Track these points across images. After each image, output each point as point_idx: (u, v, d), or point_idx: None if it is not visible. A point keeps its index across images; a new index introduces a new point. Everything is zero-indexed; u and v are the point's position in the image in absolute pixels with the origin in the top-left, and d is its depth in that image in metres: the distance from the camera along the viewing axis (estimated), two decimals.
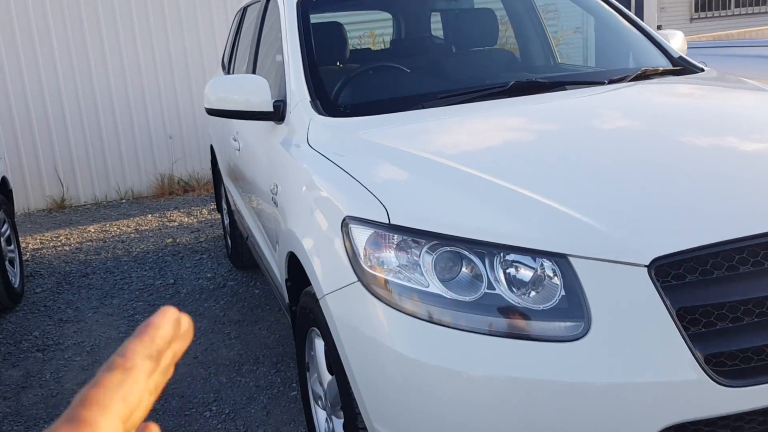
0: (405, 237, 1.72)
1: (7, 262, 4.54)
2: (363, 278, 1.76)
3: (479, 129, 2.30)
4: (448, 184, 1.85)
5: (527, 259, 1.63)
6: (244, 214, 3.76)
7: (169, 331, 0.51)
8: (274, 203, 2.58)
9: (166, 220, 6.35)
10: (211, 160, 5.19)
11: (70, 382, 3.48)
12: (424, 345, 1.64)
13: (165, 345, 0.50)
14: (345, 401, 1.95)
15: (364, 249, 1.78)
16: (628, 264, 1.56)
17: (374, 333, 1.72)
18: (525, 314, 1.59)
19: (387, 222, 1.76)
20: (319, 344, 2.30)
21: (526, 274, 1.63)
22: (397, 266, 1.72)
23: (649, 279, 1.55)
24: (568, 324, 1.55)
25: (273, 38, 3.25)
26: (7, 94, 6.82)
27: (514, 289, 1.62)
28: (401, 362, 1.66)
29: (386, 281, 1.72)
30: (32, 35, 6.78)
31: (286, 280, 2.55)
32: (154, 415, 3.10)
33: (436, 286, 1.65)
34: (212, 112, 2.82)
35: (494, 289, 1.62)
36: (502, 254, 1.63)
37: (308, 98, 2.64)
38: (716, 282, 1.57)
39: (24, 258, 5.50)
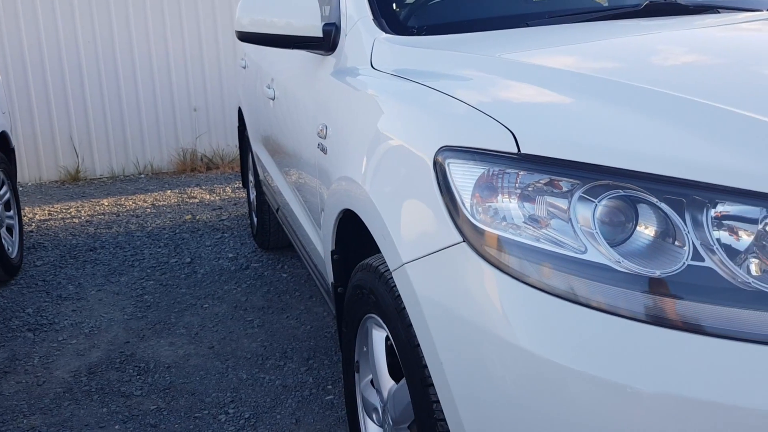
0: (544, 174, 1.09)
1: (3, 229, 3.99)
2: (470, 238, 1.14)
3: (622, 48, 1.66)
4: (604, 99, 1.22)
5: (751, 211, 0.99)
6: (276, 180, 3.15)
7: None
8: (322, 150, 1.97)
9: (186, 196, 5.78)
10: (239, 128, 4.60)
11: (60, 368, 2.90)
12: (570, 342, 1.01)
13: None
14: (423, 420, 1.33)
15: (474, 196, 1.15)
16: None
17: (486, 320, 1.10)
18: (758, 302, 0.95)
19: (514, 152, 1.13)
20: (379, 337, 1.68)
21: (746, 235, 1.00)
22: (529, 220, 1.09)
23: None
24: None
25: None
26: (23, 56, 6.30)
27: (733, 261, 0.98)
28: (530, 365, 1.04)
29: (509, 243, 1.09)
30: None
31: (332, 252, 1.93)
32: (156, 415, 2.51)
33: (601, 252, 1.02)
34: (244, 36, 2.22)
35: (701, 260, 0.99)
36: (714, 202, 1.00)
37: (370, 15, 2.03)
38: None
39: (29, 229, 4.96)
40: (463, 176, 1.18)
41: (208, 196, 5.74)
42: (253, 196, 4.37)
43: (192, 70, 6.71)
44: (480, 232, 1.12)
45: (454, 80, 1.49)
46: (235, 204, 5.46)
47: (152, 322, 3.34)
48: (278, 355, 2.91)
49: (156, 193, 5.94)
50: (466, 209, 1.16)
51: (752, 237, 0.99)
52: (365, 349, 1.80)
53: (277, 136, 2.89)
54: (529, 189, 1.11)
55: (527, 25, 1.88)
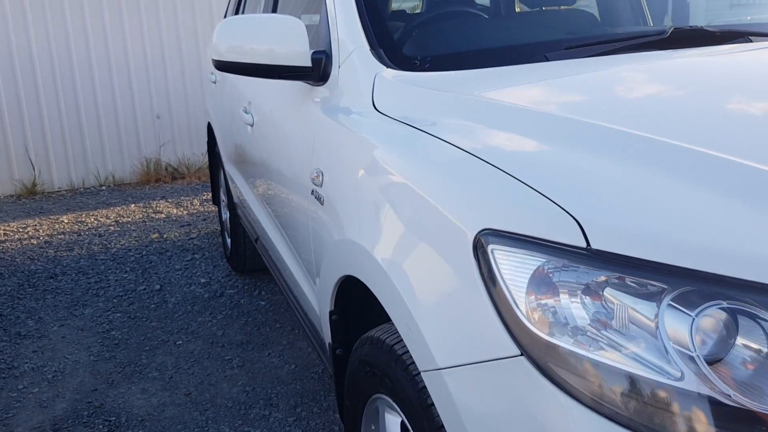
0: (621, 274, 0.89)
1: None
2: (529, 349, 0.93)
3: (661, 89, 1.47)
4: (672, 170, 1.02)
5: None
6: (255, 210, 2.91)
7: None
8: (318, 199, 1.75)
9: (151, 211, 5.49)
10: (208, 142, 4.34)
11: (22, 425, 2.63)
12: None
13: None
14: None
15: (528, 294, 0.95)
16: None
17: None
18: None
19: (583, 245, 0.93)
20: (393, 423, 1.47)
21: None
22: (607, 332, 0.89)
23: None
24: None
25: None
26: None
27: None
28: None
29: (581, 361, 0.89)
30: None
31: (331, 313, 1.72)
32: None
33: (702, 381, 0.83)
34: (223, 66, 1.98)
35: None
36: None
37: (366, 45, 1.81)
38: None
39: None
40: (515, 268, 0.98)
41: (175, 211, 5.45)
42: (226, 216, 4.12)
43: (154, 75, 6.39)
44: (543, 344, 0.92)
45: (484, 137, 1.28)
46: (204, 219, 5.19)
47: (122, 363, 3.07)
48: (262, 403, 2.68)
49: (119, 208, 5.63)
50: (522, 312, 0.95)
51: None
52: (373, 427, 1.59)
53: (258, 166, 2.65)
54: (604, 293, 0.91)
55: (546, 59, 1.68)
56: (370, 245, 1.35)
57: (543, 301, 0.94)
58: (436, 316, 1.10)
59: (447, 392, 1.05)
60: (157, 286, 3.93)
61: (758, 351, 0.83)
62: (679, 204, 0.96)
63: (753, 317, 0.84)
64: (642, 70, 1.60)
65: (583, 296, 0.91)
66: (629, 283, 0.89)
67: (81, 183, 6.37)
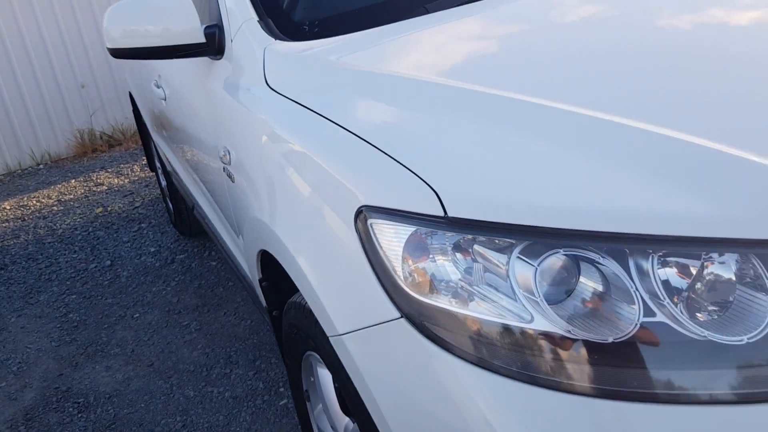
0: (473, 236, 1.01)
1: None
2: (407, 312, 1.05)
3: (538, 36, 1.55)
4: (535, 133, 1.12)
5: (696, 256, 0.94)
6: (185, 179, 2.96)
7: None
8: (229, 177, 1.82)
9: (92, 184, 5.46)
10: (133, 110, 4.31)
11: None
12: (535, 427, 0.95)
13: None
14: None
15: (404, 260, 1.06)
16: None
17: (438, 407, 1.02)
18: (721, 350, 0.90)
19: (441, 215, 1.03)
20: (325, 375, 1.60)
21: (697, 278, 0.94)
22: (469, 287, 1.01)
23: None
24: None
25: None
26: None
27: (689, 310, 0.93)
28: None
29: (451, 317, 1.01)
30: None
31: (260, 280, 1.82)
32: None
33: (548, 320, 0.95)
34: (120, 53, 2.00)
35: (653, 315, 0.93)
36: (658, 252, 0.94)
37: (255, 16, 1.84)
38: None
39: None
40: (391, 238, 1.08)
41: (116, 180, 5.44)
42: (164, 183, 4.15)
43: (72, 46, 6.22)
44: (418, 305, 1.04)
45: (362, 111, 1.36)
46: (146, 186, 5.19)
47: (83, 344, 3.17)
48: (223, 362, 2.82)
49: (60, 185, 5.59)
50: (399, 277, 1.06)
51: (700, 284, 0.94)
52: (312, 379, 1.72)
53: (178, 141, 2.69)
54: (464, 253, 1.02)
55: (426, 11, 1.74)
56: (272, 223, 1.45)
57: (416, 265, 1.05)
58: (332, 286, 1.21)
59: (350, 356, 1.17)
60: (108, 262, 3.98)
61: (594, 290, 0.96)
62: (522, 165, 1.06)
63: (591, 261, 0.96)
64: (520, 14, 1.68)
65: (450, 257, 1.02)
66: (484, 242, 1.00)
67: (17, 165, 6.27)
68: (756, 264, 0.92)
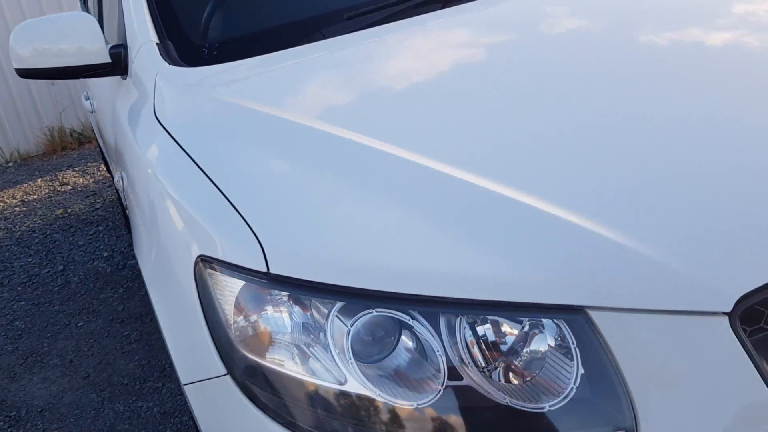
0: (294, 294, 0.99)
1: None
2: (233, 368, 1.03)
3: (412, 67, 1.52)
4: (369, 186, 1.09)
5: (507, 319, 0.92)
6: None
7: None
8: (126, 200, 1.80)
9: (57, 183, 5.43)
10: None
11: None
12: None
13: None
14: None
15: (235, 315, 1.04)
16: (697, 314, 0.88)
17: None
18: (521, 418, 0.89)
19: (264, 270, 1.02)
20: None
21: (506, 342, 0.93)
22: (291, 346, 0.99)
23: (732, 334, 0.87)
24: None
25: None
26: None
27: (496, 374, 0.92)
28: None
29: (274, 376, 0.99)
30: None
31: None
32: None
33: (358, 381, 0.94)
34: (28, 74, 1.96)
35: (460, 379, 0.92)
36: (468, 315, 0.92)
37: (153, 38, 1.81)
38: None
39: None
40: (224, 290, 1.07)
41: (81, 180, 5.41)
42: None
43: None
44: (244, 361, 1.02)
45: (225, 154, 1.31)
46: (110, 186, 5.16)
47: (24, 354, 3.15)
48: (157, 375, 2.80)
49: (26, 185, 5.56)
50: (231, 331, 1.05)
51: (509, 349, 0.92)
52: None
53: (110, 153, 2.66)
54: (287, 310, 1.00)
55: (323, 36, 1.71)
56: (139, 255, 1.43)
57: (246, 320, 1.03)
58: (178, 333, 1.19)
59: (190, 405, 1.16)
60: (61, 267, 3.96)
61: (408, 352, 0.94)
62: (353, 222, 1.04)
63: (403, 324, 0.94)
64: (401, 43, 1.65)
65: (273, 314, 1.01)
66: (307, 301, 0.99)
67: None
68: (564, 329, 0.90)
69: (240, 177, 1.22)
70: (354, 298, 0.95)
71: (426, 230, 0.99)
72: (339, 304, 0.96)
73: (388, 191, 1.07)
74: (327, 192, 1.11)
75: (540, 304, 0.90)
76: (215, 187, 1.20)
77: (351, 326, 0.95)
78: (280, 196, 1.13)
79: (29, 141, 6.34)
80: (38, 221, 4.74)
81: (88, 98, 2.68)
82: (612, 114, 1.17)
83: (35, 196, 5.26)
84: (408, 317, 0.93)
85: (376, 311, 0.94)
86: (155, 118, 1.60)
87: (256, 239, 1.05)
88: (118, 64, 1.92)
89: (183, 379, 1.16)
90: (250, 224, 1.07)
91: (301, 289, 0.98)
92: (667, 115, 1.14)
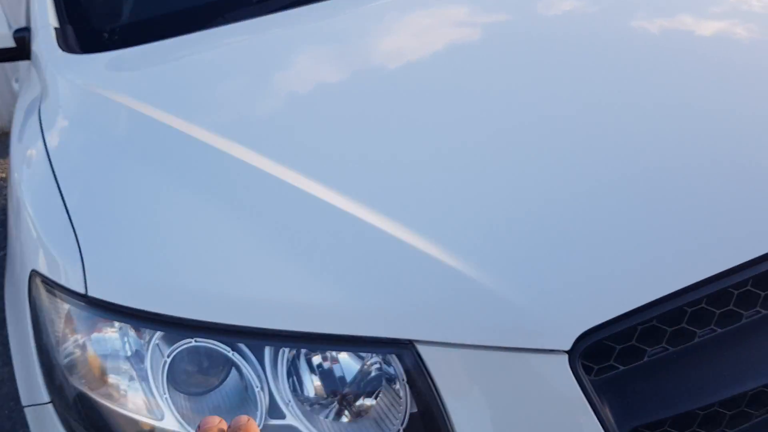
0: (113, 320, 0.90)
1: None
2: (56, 397, 0.94)
3: (296, 61, 1.40)
4: (226, 206, 0.98)
5: (338, 352, 0.83)
6: None
7: None
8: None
9: None
10: None
11: None
12: None
13: None
14: None
15: (63, 335, 0.95)
16: (533, 351, 0.78)
17: None
18: None
19: (83, 292, 0.92)
20: None
21: (337, 376, 0.84)
22: (106, 368, 0.90)
23: (571, 374, 0.78)
24: None
25: None
26: None
27: (326, 412, 0.83)
28: None
29: (89, 405, 0.91)
30: None
31: None
32: None
33: (174, 417, 0.85)
34: None
35: (283, 417, 0.83)
36: (295, 348, 0.83)
37: (52, 21, 1.70)
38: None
39: None
40: (52, 311, 0.97)
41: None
42: None
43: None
44: (66, 389, 0.93)
45: (89, 161, 1.18)
46: None
47: None
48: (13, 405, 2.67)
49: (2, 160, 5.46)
50: (59, 355, 0.96)
51: (338, 384, 0.83)
52: None
53: None
54: (113, 338, 0.91)
55: (225, 20, 1.59)
56: (7, 273, 1.32)
57: (72, 345, 0.94)
58: (18, 356, 1.10)
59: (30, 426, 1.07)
60: (2, 253, 3.86)
61: (233, 386, 0.85)
62: (184, 245, 0.94)
63: (225, 357, 0.85)
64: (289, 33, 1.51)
65: (94, 339, 0.92)
66: (128, 329, 0.90)
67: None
68: (395, 364, 0.81)
69: (91, 188, 1.12)
70: (174, 328, 0.86)
71: (272, 258, 0.89)
72: (159, 333, 0.87)
73: (246, 214, 0.97)
74: (175, 210, 1.01)
75: (368, 337, 0.80)
76: (61, 198, 1.09)
77: (168, 357, 0.86)
78: (121, 212, 1.03)
79: (3, 117, 6.24)
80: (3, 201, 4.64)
81: (17, 80, 2.57)
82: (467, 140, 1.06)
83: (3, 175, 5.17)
84: (228, 349, 0.84)
85: (195, 341, 0.85)
86: (37, 114, 1.50)
87: (80, 257, 0.95)
88: (22, 48, 1.82)
89: (23, 400, 1.08)
90: (79, 241, 0.98)
91: (119, 315, 0.89)
92: (516, 140, 1.03)
